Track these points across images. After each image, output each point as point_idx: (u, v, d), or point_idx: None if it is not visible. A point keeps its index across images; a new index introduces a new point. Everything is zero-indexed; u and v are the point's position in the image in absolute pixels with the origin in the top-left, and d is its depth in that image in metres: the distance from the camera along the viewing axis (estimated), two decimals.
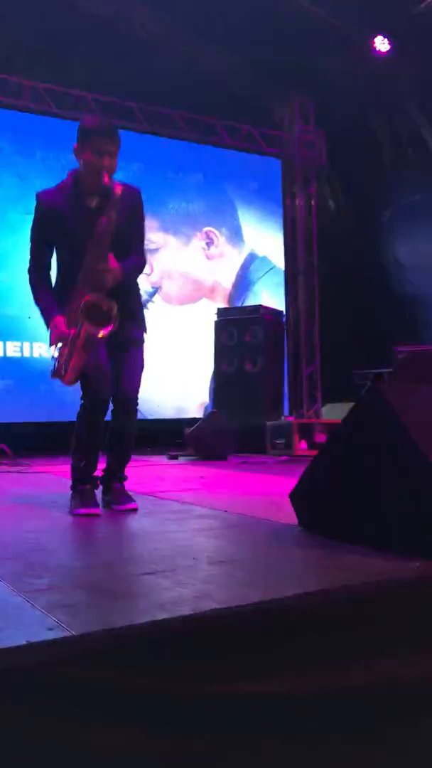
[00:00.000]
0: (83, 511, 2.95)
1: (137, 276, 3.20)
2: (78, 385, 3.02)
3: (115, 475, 3.19)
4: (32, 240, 3.13)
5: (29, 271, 3.12)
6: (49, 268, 3.14)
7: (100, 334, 2.83)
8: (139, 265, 3.17)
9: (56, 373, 3.00)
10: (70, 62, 7.45)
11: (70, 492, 3.08)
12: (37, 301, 3.06)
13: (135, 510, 3.05)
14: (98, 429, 3.03)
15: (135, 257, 3.11)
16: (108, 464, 3.24)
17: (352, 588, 1.74)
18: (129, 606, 1.68)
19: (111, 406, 3.13)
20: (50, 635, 1.47)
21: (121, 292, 2.99)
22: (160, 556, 2.19)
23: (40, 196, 3.08)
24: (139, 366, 3.16)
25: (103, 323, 2.81)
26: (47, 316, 3.00)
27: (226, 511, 3.01)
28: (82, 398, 3.02)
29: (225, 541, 2.47)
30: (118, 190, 2.88)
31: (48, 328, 3.00)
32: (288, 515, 2.74)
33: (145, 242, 3.30)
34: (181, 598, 1.71)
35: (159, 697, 1.46)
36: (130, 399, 3.13)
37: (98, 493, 3.13)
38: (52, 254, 3.12)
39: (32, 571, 2.04)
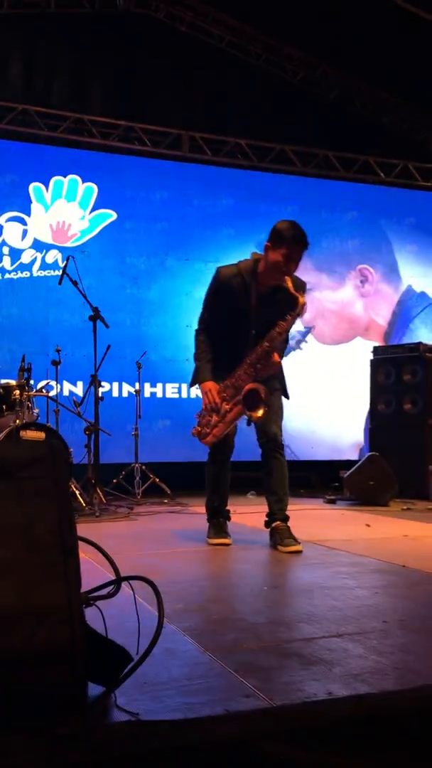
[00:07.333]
0: (216, 541, 3.43)
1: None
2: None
3: (275, 516, 3.39)
4: (204, 305, 3.49)
5: (197, 331, 3.50)
6: (213, 333, 3.43)
7: (255, 417, 3.20)
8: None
9: (198, 433, 3.36)
10: (224, 111, 7.67)
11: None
12: (196, 358, 3.45)
13: (299, 552, 3.17)
14: (221, 475, 3.53)
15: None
16: (269, 506, 3.44)
17: None
18: (323, 674, 1.56)
19: (259, 450, 3.46)
20: (248, 704, 1.39)
21: None
22: (344, 615, 2.06)
23: (220, 271, 3.39)
24: (280, 410, 3.44)
25: (258, 407, 3.19)
26: (199, 376, 3.39)
27: (404, 566, 2.81)
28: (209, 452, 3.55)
29: (411, 602, 2.28)
30: (300, 302, 3.12)
31: (194, 382, 3.43)
32: None
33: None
34: (381, 669, 1.57)
35: None
36: (275, 440, 3.40)
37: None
38: (218, 322, 3.41)
39: (214, 625, 1.98)
